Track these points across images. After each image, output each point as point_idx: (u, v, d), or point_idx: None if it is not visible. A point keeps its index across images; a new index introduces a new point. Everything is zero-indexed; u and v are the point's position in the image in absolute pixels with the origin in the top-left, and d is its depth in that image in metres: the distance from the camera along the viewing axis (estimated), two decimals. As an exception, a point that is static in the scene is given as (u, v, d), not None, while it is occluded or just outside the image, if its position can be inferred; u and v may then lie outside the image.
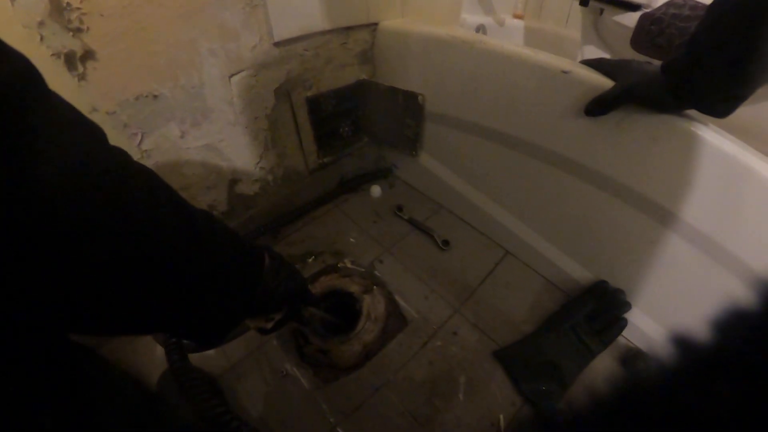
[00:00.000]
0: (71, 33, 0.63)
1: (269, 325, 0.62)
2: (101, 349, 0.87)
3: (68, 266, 0.32)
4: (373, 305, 0.94)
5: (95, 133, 0.37)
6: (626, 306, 0.91)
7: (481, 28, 1.91)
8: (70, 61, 0.65)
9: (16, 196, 0.27)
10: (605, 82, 0.75)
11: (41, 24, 0.60)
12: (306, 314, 0.72)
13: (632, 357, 0.89)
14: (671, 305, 0.87)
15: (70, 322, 0.37)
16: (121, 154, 0.39)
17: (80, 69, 0.67)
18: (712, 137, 0.68)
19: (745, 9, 0.53)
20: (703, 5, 0.97)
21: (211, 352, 0.87)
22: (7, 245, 0.28)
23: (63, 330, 0.38)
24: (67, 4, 0.61)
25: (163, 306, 0.42)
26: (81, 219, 0.31)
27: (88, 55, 0.67)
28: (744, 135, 0.71)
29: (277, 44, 0.92)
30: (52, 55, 0.63)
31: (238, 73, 0.89)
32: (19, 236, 0.28)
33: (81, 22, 0.64)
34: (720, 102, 0.62)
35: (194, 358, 0.84)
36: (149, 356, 0.86)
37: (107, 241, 0.34)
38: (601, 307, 0.92)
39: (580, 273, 1.00)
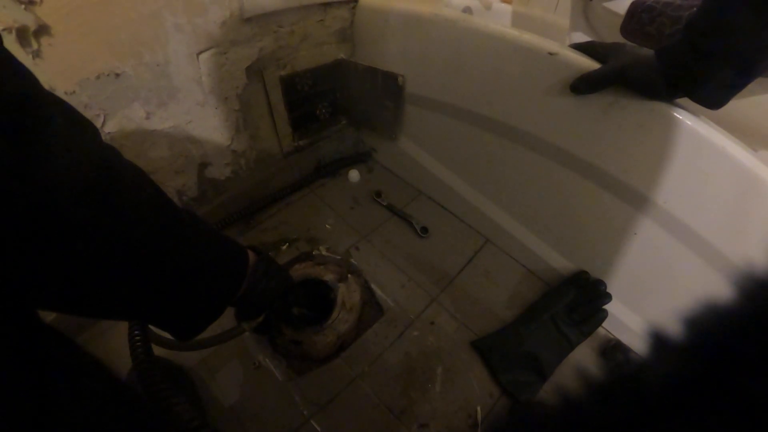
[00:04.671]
0: (23, 6, 0.59)
1: (260, 319, 0.65)
2: (76, 337, 0.85)
3: (58, 255, 0.34)
4: (348, 294, 0.92)
5: (89, 131, 0.40)
6: (607, 297, 0.90)
7: (467, 11, 1.88)
8: (23, 36, 0.61)
9: (24, 192, 0.30)
10: (594, 66, 0.73)
11: (-11, -3, 0.56)
12: (296, 312, 0.71)
13: (612, 348, 0.89)
14: (652, 297, 0.87)
15: (50, 300, 0.39)
16: (112, 152, 0.41)
17: (34, 45, 0.62)
18: (702, 128, 0.67)
19: None
20: (695, -6, 0.95)
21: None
22: (4, 232, 0.31)
23: (36, 305, 0.39)
24: (18, -26, 0.56)
25: (142, 294, 0.44)
26: (75, 213, 0.34)
27: (42, 30, 0.62)
28: (732, 129, 0.70)
29: (248, 20, 0.87)
30: (3, 30, 0.58)
31: (207, 50, 0.84)
32: (18, 225, 0.31)
33: (33, -7, 0.59)
34: (714, 91, 0.61)
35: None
36: (123, 348, 0.83)
37: (96, 234, 0.36)
38: (581, 298, 0.92)
39: (560, 263, 0.99)
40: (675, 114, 0.68)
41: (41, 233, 0.32)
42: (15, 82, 0.31)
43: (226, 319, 0.60)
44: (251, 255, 0.61)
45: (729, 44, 0.55)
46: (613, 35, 1.18)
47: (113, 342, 0.84)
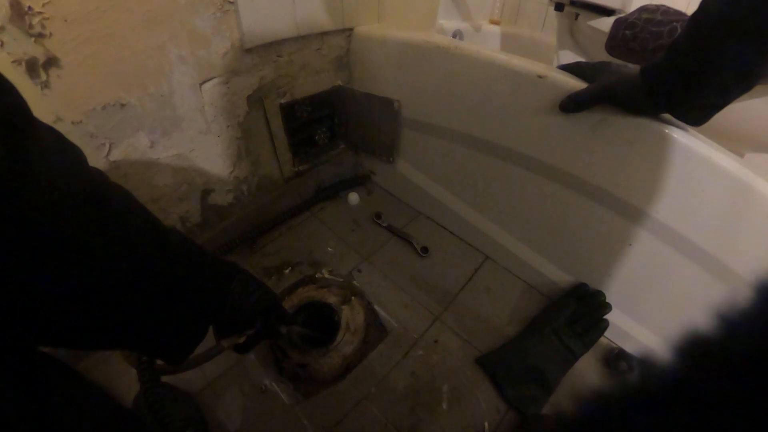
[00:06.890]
0: (33, 39, 0.61)
1: (241, 339, 0.62)
2: (76, 366, 0.84)
3: (43, 280, 0.34)
4: (352, 316, 0.93)
5: (76, 155, 0.40)
6: (607, 307, 0.91)
7: (458, 34, 1.93)
8: (32, 68, 0.62)
9: (7, 215, 0.30)
10: (581, 86, 0.75)
11: (1, 29, 0.57)
12: (283, 331, 0.70)
13: (615, 357, 0.90)
14: (651, 304, 0.88)
15: (38, 334, 0.38)
16: (99, 176, 0.41)
17: (43, 76, 0.64)
18: (688, 140, 0.69)
19: (726, 21, 0.53)
20: (675, 11, 0.99)
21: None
22: None
23: (30, 342, 0.39)
24: (29, 8, 0.59)
25: (131, 319, 0.43)
26: (60, 237, 0.34)
27: (51, 61, 0.64)
28: (713, 133, 0.73)
29: (249, 50, 0.90)
30: (13, 62, 0.60)
31: (209, 80, 0.87)
32: (4, 241, 0.30)
33: (43, 27, 0.61)
34: (696, 109, 0.63)
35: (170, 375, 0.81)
36: (124, 375, 0.82)
37: (82, 258, 0.36)
38: (582, 310, 0.92)
39: (559, 276, 1.00)
40: (661, 128, 0.70)
41: (28, 251, 0.32)
42: (5, 98, 0.31)
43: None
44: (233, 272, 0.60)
45: (710, 66, 0.57)
46: (599, 52, 1.21)
47: (117, 366, 0.84)
